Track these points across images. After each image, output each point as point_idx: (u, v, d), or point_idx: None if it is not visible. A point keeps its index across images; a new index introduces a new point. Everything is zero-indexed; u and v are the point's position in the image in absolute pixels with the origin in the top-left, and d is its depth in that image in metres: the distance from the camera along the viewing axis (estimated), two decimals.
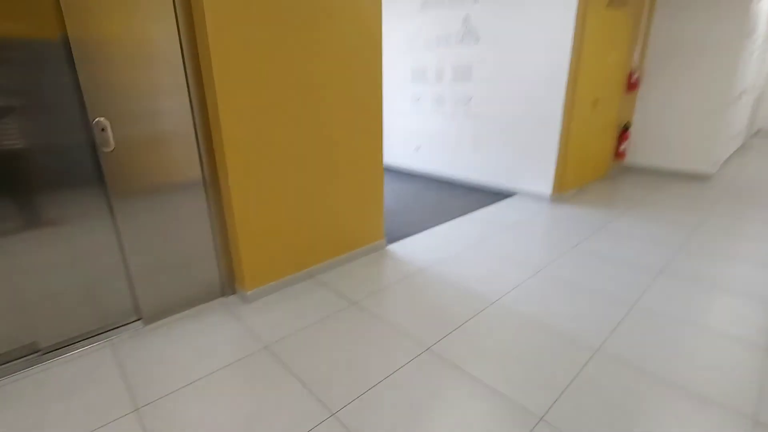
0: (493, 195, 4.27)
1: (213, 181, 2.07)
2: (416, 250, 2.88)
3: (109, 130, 1.72)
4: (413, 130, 5.26)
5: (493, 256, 2.74)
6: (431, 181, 4.92)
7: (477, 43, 4.21)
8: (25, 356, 1.74)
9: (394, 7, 4.96)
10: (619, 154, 5.06)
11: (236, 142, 1.95)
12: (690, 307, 2.10)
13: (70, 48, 1.59)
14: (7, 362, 1.70)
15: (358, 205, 2.64)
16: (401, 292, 2.28)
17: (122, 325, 1.99)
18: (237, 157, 1.97)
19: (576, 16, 3.42)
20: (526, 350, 1.77)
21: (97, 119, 1.69)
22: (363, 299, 2.21)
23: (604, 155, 4.78)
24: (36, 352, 1.76)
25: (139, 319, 2.03)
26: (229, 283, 2.28)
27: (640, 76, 4.82)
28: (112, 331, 1.97)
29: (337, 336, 1.89)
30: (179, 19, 1.80)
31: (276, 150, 2.11)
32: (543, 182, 4.00)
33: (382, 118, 2.61)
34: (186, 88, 1.89)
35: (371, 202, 2.73)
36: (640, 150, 5.18)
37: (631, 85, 4.73)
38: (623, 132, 4.95)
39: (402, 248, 2.91)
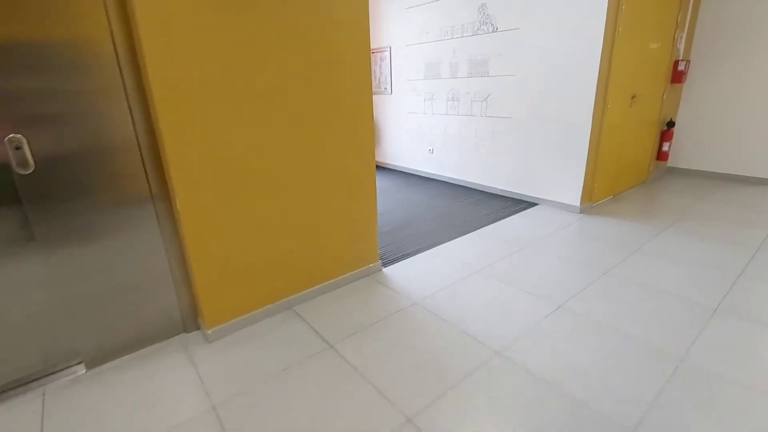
0: (513, 204, 3.80)
1: (164, 198, 1.77)
2: (416, 274, 2.49)
3: (25, 147, 1.44)
4: (426, 131, 4.84)
5: (505, 283, 2.32)
6: (445, 187, 4.50)
7: (494, 34, 3.75)
8: None
9: None
10: (661, 155, 4.45)
11: (183, 154, 1.64)
12: (765, 368, 1.61)
13: None
14: None
15: (346, 225, 2.29)
16: (388, 334, 1.90)
17: (60, 370, 1.73)
18: (185, 171, 1.66)
19: None
20: None
21: (8, 136, 1.41)
22: (341, 341, 1.85)
23: (643, 157, 4.20)
24: None
25: (81, 362, 1.76)
26: (192, 317, 1.99)
27: (686, 66, 4.19)
28: (50, 376, 1.71)
29: (301, 395, 1.55)
30: (109, 13, 1.49)
31: (237, 162, 1.79)
32: (570, 190, 3.50)
33: (372, 124, 2.24)
34: (124, 93, 1.59)
35: (362, 221, 2.36)
36: (686, 150, 4.54)
37: (677, 76, 4.11)
38: (667, 130, 4.34)
39: (400, 272, 2.53)
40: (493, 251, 2.76)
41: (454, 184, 4.62)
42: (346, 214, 2.27)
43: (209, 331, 1.88)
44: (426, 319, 2.01)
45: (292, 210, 2.03)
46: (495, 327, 1.91)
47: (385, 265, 2.63)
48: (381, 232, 3.22)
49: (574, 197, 3.48)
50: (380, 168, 5.68)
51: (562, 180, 3.53)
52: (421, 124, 4.87)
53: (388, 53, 5.03)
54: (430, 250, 2.84)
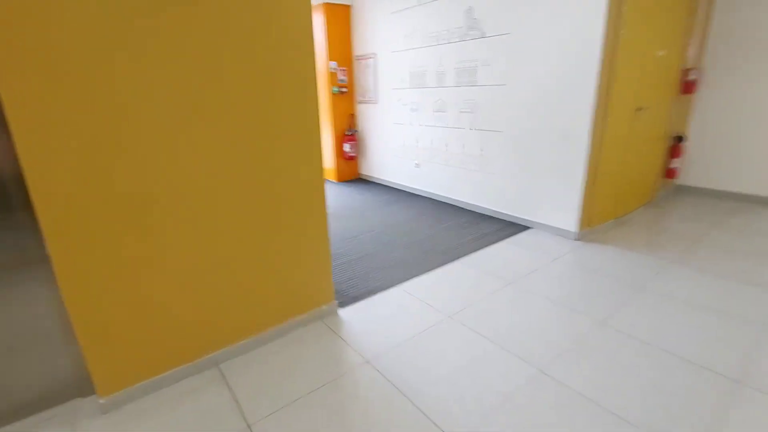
0: (503, 227, 3.42)
1: (40, 245, 1.42)
2: (377, 317, 2.12)
3: None
4: (411, 144, 4.49)
5: (480, 335, 1.93)
6: (431, 205, 4.13)
7: (483, 40, 3.40)
8: None
9: (390, 3, 4.23)
10: (669, 173, 4.05)
11: (51, 180, 1.29)
12: None
13: None
14: None
15: (291, 261, 1.92)
16: (324, 409, 1.53)
17: None
18: (54, 202, 1.31)
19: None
20: None
21: None
22: (264, 419, 1.48)
23: (650, 175, 3.80)
24: None
25: None
26: (88, 379, 1.63)
27: (697, 75, 3.80)
28: None
29: None
30: None
31: (133, 192, 1.43)
32: (566, 213, 3.11)
33: (319, 137, 1.88)
34: None
35: (311, 256, 2.00)
36: (697, 167, 4.14)
37: (686, 87, 3.73)
38: (676, 145, 3.94)
39: (359, 314, 2.16)
40: (475, 288, 2.38)
41: (440, 202, 4.25)
42: (289, 249, 1.90)
43: (102, 401, 1.52)
44: (377, 386, 1.63)
45: (220, 245, 1.67)
46: (464, 399, 1.53)
47: (344, 303, 2.26)
48: (348, 260, 2.85)
49: (570, 221, 3.09)
50: (364, 181, 5.33)
51: (557, 201, 3.15)
52: (406, 136, 4.51)
53: (373, 61, 4.70)
54: (401, 285, 2.46)
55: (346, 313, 2.18)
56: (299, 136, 1.80)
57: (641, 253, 2.81)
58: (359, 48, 4.88)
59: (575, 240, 3.07)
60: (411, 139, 4.46)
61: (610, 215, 3.36)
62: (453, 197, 4.12)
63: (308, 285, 2.03)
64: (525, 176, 3.34)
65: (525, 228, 3.39)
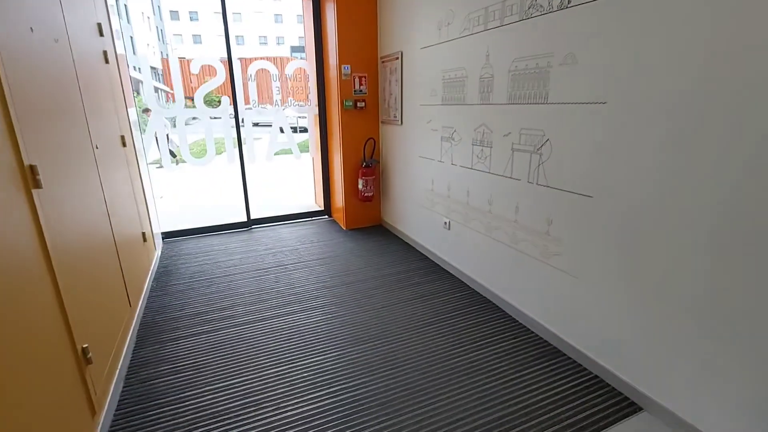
0: (582, 389, 1.66)
1: None
2: None
3: None
4: (441, 191, 2.88)
5: None
6: (457, 297, 2.48)
7: (563, 13, 1.71)
8: None
9: None
10: None
11: None
12: None
13: None
14: None
15: None
16: None
17: None
18: None
19: None
20: None
21: None
22: None
23: None
24: None
25: None
26: None
27: None
28: None
29: None
30: None
31: None
32: (728, 402, 1.27)
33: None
34: None
35: None
36: None
37: None
38: None
39: None
40: None
41: (474, 294, 2.57)
42: None
43: None
44: None
45: None
46: None
47: None
48: None
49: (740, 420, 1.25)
50: (384, 232, 3.82)
51: (714, 378, 1.33)
52: (435, 177, 2.92)
53: (399, 62, 3.20)
54: None
55: None
56: None
57: None
58: (385, 46, 3.42)
59: None
60: (441, 182, 2.85)
61: None
62: (496, 291, 2.43)
63: None
64: (640, 296, 1.56)
65: (632, 406, 1.59)
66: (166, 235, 3.60)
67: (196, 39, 31.69)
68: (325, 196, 4.24)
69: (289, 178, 6.72)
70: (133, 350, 2.02)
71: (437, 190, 2.92)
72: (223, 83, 3.56)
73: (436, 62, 2.70)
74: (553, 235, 1.93)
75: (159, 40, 29.68)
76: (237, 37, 32.36)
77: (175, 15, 31.20)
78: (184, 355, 1.97)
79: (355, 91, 3.54)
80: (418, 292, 2.59)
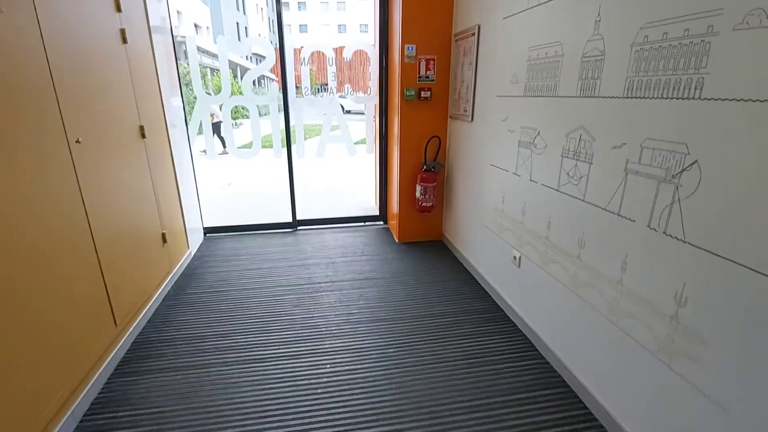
0: None
1: None
2: None
3: None
4: (513, 215, 2.14)
5: None
6: (540, 373, 1.76)
7: None
8: None
9: None
10: None
11: None
12: None
13: None
14: None
15: None
16: None
17: None
18: None
19: None
20: None
21: None
22: None
23: None
24: None
25: None
26: None
27: None
28: None
29: None
30: None
31: None
32: None
33: None
34: None
35: None
36: None
37: None
38: None
39: None
40: None
41: (548, 368, 1.82)
42: None
43: None
44: None
45: None
46: None
47: None
48: None
49: None
50: (444, 251, 3.15)
51: None
52: (507, 194, 2.18)
53: (474, 39, 2.48)
54: None
55: None
56: None
57: None
58: (461, 19, 2.71)
59: None
60: (513, 202, 2.11)
61: None
62: (585, 383, 1.65)
63: None
64: None
65: None
66: (209, 230, 3.42)
67: (302, 28, 33.34)
68: (381, 201, 3.70)
69: (355, 173, 6.31)
70: (106, 381, 1.72)
71: (507, 211, 2.18)
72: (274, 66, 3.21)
73: (521, 36, 1.95)
74: (686, 324, 1.13)
75: (270, 30, 31.80)
76: (339, 25, 33.34)
77: (285, 6, 33.18)
78: (154, 398, 1.62)
79: (419, 77, 2.90)
80: (467, 349, 1.93)
